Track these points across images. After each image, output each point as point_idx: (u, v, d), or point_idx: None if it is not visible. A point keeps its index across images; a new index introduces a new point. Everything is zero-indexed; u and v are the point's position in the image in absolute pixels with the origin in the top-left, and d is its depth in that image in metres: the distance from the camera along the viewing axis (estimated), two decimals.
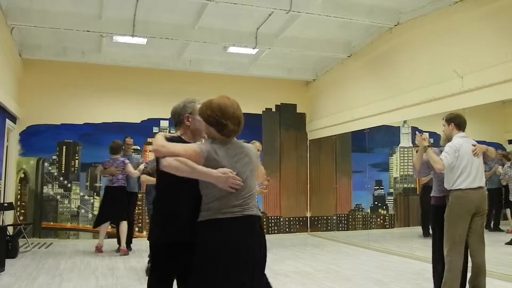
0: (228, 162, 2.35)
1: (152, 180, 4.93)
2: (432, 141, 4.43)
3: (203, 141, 2.59)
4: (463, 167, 4.03)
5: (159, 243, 2.54)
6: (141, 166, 5.86)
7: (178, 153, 2.30)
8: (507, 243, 6.92)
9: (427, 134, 4.53)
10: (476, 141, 4.22)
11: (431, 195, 4.43)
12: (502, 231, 7.61)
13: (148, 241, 2.66)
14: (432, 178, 4.46)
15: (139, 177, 6.48)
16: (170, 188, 2.48)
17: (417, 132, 4.34)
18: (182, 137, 2.62)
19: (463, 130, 4.24)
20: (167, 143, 2.36)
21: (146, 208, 5.60)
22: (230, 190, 2.29)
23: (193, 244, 2.32)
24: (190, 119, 2.62)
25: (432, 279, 4.31)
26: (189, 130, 2.64)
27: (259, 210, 2.55)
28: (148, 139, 9.25)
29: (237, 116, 2.38)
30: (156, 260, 2.61)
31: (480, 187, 4.09)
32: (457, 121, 4.23)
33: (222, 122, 2.33)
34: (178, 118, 2.66)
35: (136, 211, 8.15)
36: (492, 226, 7.66)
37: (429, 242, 4.45)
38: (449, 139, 4.25)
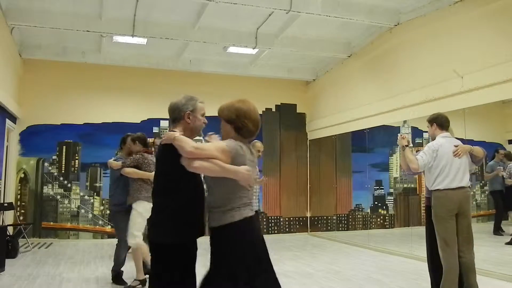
0: (248, 159, 2.49)
1: (142, 173, 4.77)
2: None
3: (202, 138, 2.67)
4: (441, 167, 4.01)
5: (176, 243, 2.47)
6: (119, 162, 5.36)
7: (211, 154, 2.35)
8: (507, 243, 6.91)
9: (426, 134, 4.53)
10: (476, 141, 4.22)
11: (425, 196, 4.40)
12: (503, 231, 7.51)
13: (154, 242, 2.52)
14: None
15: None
16: (181, 181, 2.47)
17: (399, 134, 4.30)
18: None
19: (446, 130, 4.20)
20: (198, 144, 2.39)
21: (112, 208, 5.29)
22: (248, 188, 2.43)
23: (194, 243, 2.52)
24: (191, 117, 2.58)
25: (431, 281, 4.31)
26: (188, 128, 2.58)
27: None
28: (149, 139, 9.23)
29: (258, 120, 2.56)
30: (171, 263, 2.47)
31: (461, 187, 4.01)
32: (438, 121, 4.20)
33: (244, 121, 2.49)
34: (178, 115, 2.59)
35: None
36: (493, 230, 7.48)
37: None
38: (433, 139, 4.23)
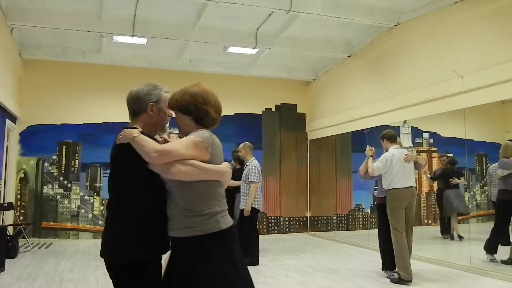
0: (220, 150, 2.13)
1: None
2: (432, 141, 4.67)
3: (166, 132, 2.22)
4: (396, 171, 5.15)
5: (135, 261, 1.99)
6: None
7: (182, 155, 1.93)
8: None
9: (426, 134, 4.85)
10: (475, 141, 4.46)
11: (376, 195, 5.64)
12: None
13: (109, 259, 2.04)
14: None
15: None
16: (142, 190, 2.02)
17: (367, 146, 5.50)
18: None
19: (395, 142, 5.42)
20: (161, 146, 1.96)
21: None
22: (225, 185, 2.09)
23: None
24: (154, 109, 2.16)
25: (382, 260, 5.51)
26: (151, 122, 2.16)
27: None
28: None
29: (219, 105, 2.16)
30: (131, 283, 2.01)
31: (411, 187, 5.20)
32: (387, 136, 5.45)
33: (204, 109, 2.08)
34: (139, 106, 2.16)
35: None
36: None
37: (432, 242, 4.61)
38: (386, 150, 5.39)
